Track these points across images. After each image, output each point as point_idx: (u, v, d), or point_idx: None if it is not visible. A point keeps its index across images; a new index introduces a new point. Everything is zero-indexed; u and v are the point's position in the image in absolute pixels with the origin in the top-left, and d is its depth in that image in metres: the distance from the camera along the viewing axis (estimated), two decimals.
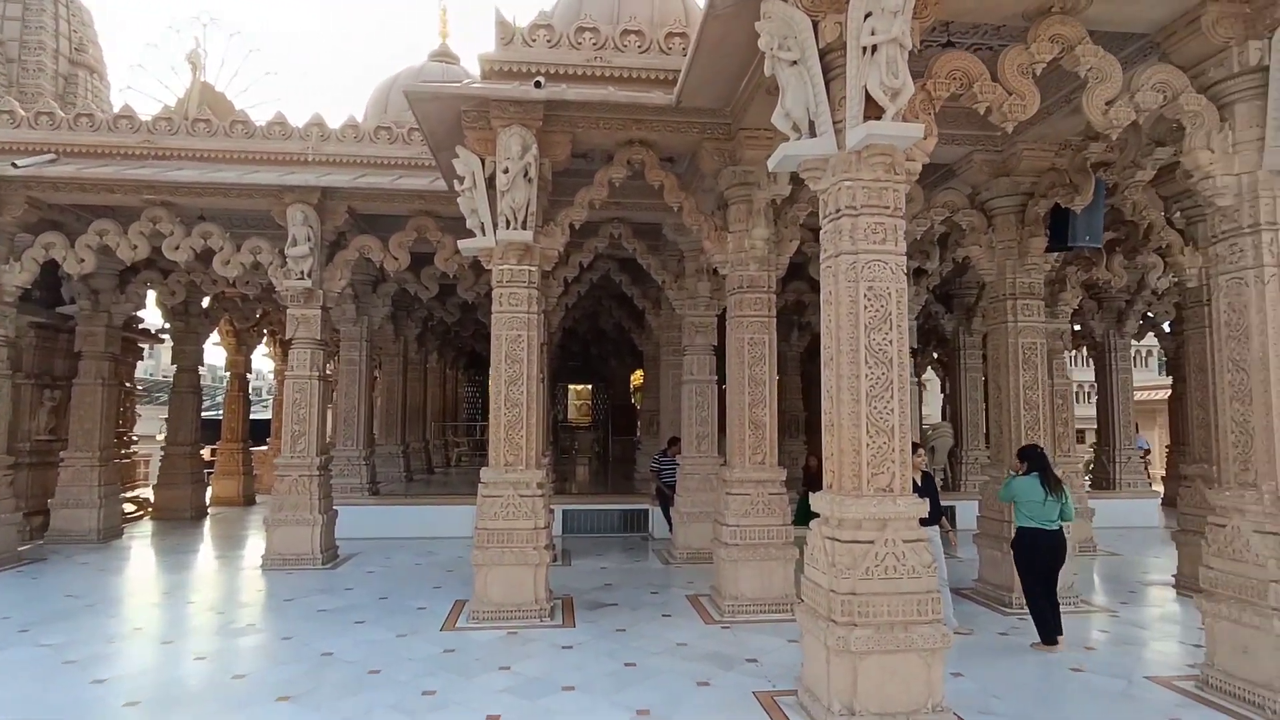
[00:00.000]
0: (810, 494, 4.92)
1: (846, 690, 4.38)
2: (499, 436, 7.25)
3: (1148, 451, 15.13)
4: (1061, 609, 7.36)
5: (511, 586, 7.02)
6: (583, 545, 11.35)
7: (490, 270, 7.47)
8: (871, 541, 4.48)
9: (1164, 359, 16.84)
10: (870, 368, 4.61)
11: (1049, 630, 6.18)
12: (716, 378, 10.13)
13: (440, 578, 8.92)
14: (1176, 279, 10.40)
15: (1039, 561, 6.28)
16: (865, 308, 4.64)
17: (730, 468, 7.57)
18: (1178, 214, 8.66)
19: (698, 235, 7.89)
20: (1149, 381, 24.02)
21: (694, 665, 5.78)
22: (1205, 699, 5.10)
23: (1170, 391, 17.16)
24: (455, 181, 7.58)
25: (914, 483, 6.90)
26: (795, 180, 7.44)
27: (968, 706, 4.87)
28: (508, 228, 7.11)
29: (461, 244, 7.52)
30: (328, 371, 10.96)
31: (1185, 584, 8.28)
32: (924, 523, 4.85)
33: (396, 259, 10.08)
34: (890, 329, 4.65)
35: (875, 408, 4.59)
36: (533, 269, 7.38)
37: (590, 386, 28.78)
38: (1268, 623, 4.81)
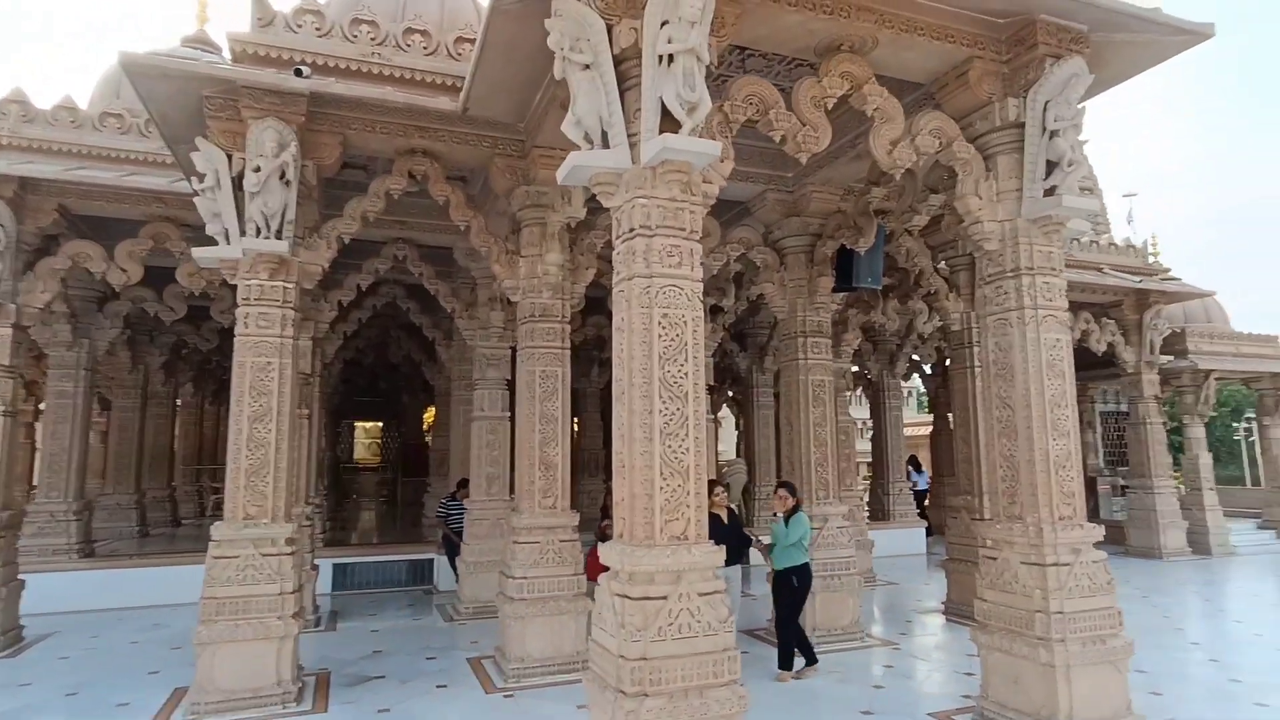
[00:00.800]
0: (599, 544, 4.38)
1: None
2: (238, 484, 6.01)
3: (925, 491, 16.38)
4: (849, 645, 7.47)
5: (247, 667, 5.76)
6: (357, 604, 10.01)
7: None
8: (665, 597, 4.00)
9: (924, 398, 18.55)
10: (665, 402, 4.19)
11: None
12: (509, 414, 9.40)
13: (161, 659, 7.28)
14: (942, 322, 11.32)
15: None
16: (660, 336, 4.23)
17: (518, 513, 6.87)
18: (943, 263, 9.39)
19: (487, 258, 7.22)
20: (910, 419, 26.60)
21: None
22: None
23: (931, 428, 18.97)
24: (195, 179, 6.34)
25: (720, 519, 6.68)
26: (592, 205, 7.06)
27: None
28: (257, 236, 6.00)
29: (197, 253, 6.27)
30: (25, 404, 8.82)
31: (954, 610, 8.76)
32: (727, 562, 4.52)
33: (125, 271, 8.36)
34: (686, 360, 4.28)
35: (670, 446, 4.16)
36: (288, 286, 6.29)
37: (380, 424, 26.65)
38: (1035, 652, 4.94)
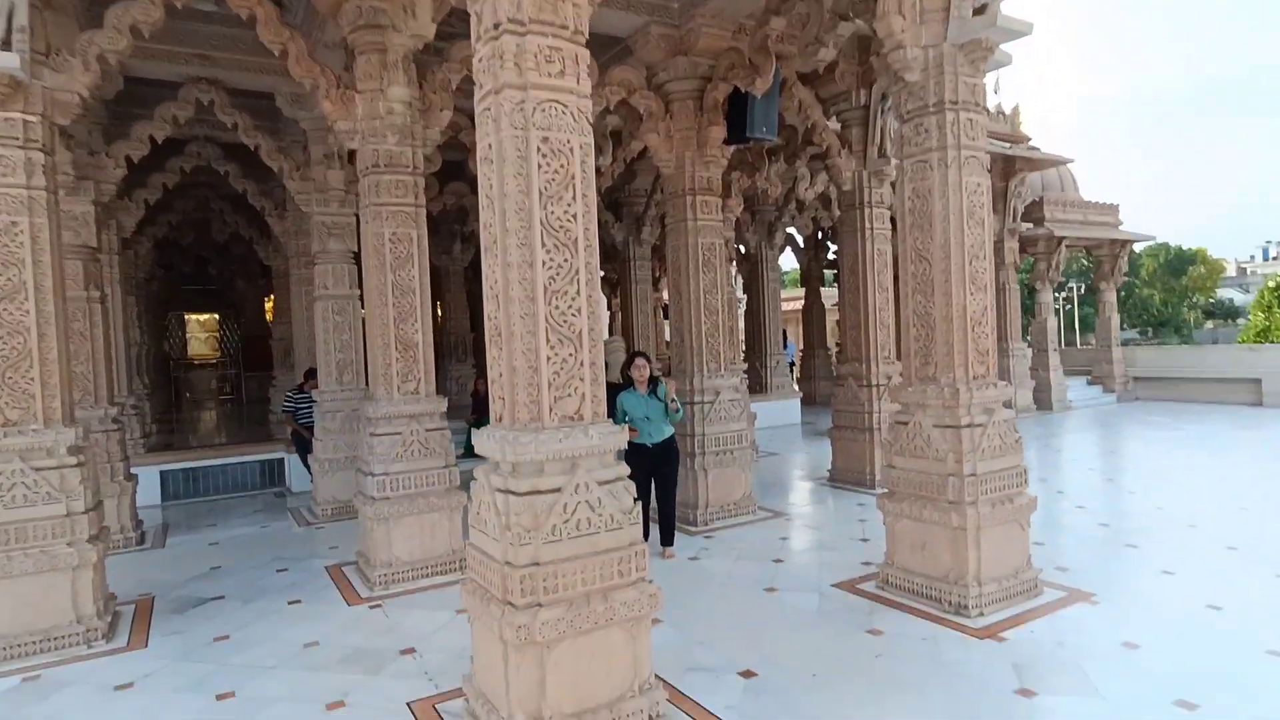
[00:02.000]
0: (474, 430, 3.57)
1: (532, 693, 3.20)
2: None
3: (791, 364, 16.56)
4: (743, 520, 7.21)
5: (31, 607, 4.63)
6: (196, 514, 8.76)
7: None
8: (558, 489, 3.27)
9: (801, 271, 18.58)
10: (549, 251, 3.31)
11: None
12: (358, 291, 8.17)
13: None
14: (822, 189, 10.84)
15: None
16: (540, 168, 3.29)
17: (374, 401, 5.88)
18: (833, 118, 8.76)
19: (315, 94, 5.81)
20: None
21: (327, 676, 4.18)
22: (889, 599, 4.95)
23: (803, 302, 19.13)
24: None
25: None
26: (446, 28, 5.75)
27: (672, 664, 4.05)
28: None
29: None
30: None
31: (839, 478, 8.74)
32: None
33: None
34: (574, 198, 3.38)
35: (558, 306, 3.32)
36: (31, 120, 4.71)
37: (216, 316, 23.91)
38: (945, 516, 4.70)
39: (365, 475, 5.85)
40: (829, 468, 9.05)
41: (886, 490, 5.20)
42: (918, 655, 4.14)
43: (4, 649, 4.53)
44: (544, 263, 3.29)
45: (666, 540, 6.21)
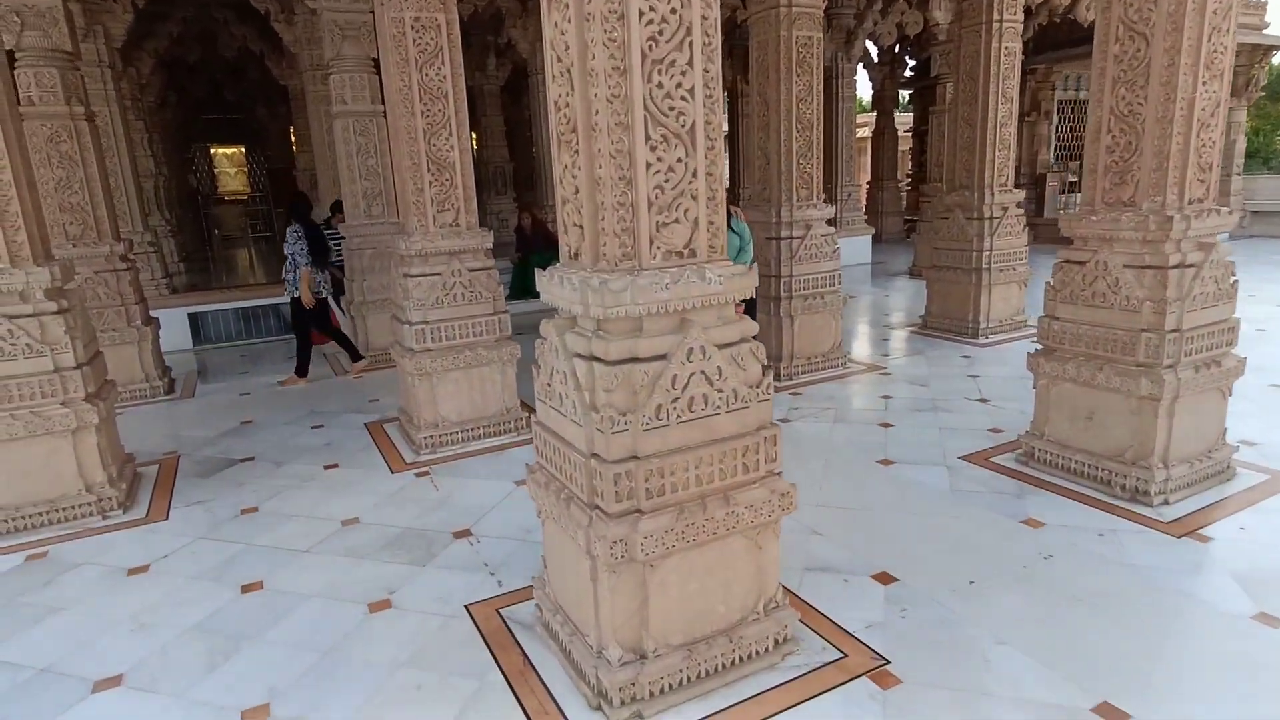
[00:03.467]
0: (532, 267, 2.60)
1: (630, 621, 2.43)
2: None
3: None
4: (834, 374, 6.31)
5: (27, 475, 4.01)
6: (226, 361, 8.17)
7: None
8: (663, 356, 2.31)
9: (873, 91, 16.46)
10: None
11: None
12: (382, 107, 6.95)
13: None
14: None
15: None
16: None
17: (407, 235, 4.90)
18: None
19: None
20: None
21: (369, 566, 3.52)
22: (1038, 479, 4.06)
23: (873, 128, 17.14)
24: None
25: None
26: None
27: (787, 559, 3.25)
28: None
29: None
30: None
31: (935, 325, 7.68)
32: None
33: None
34: None
35: (661, 85, 2.21)
36: None
37: (242, 149, 22.66)
38: (1130, 382, 3.68)
39: (402, 324, 4.99)
40: (922, 314, 7.97)
41: (1043, 347, 4.16)
42: (1099, 558, 3.28)
43: (6, 520, 3.95)
44: (640, 11, 2.13)
45: None
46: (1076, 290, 3.91)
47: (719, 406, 2.40)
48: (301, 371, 7.01)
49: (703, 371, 2.35)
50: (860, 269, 12.55)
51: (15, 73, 6.01)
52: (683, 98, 2.24)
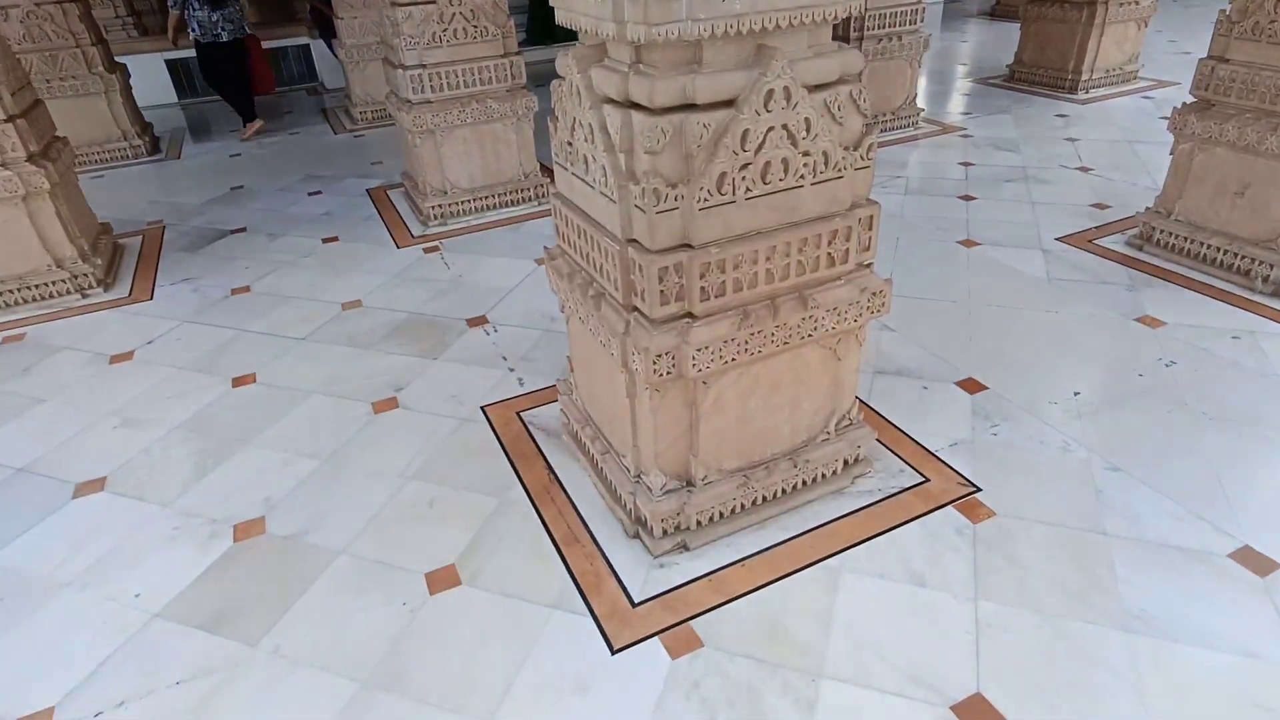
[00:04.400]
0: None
1: (677, 446, 1.99)
2: None
3: None
4: (906, 132, 5.43)
5: None
6: (216, 116, 7.36)
7: None
8: (732, 102, 1.62)
9: None
10: None
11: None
12: None
13: None
14: None
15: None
16: None
17: None
18: None
19: None
20: None
21: (371, 358, 3.10)
22: (1158, 268, 3.41)
23: None
24: None
25: None
26: None
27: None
28: None
29: None
30: None
31: (1026, 76, 6.52)
32: None
33: None
34: None
35: None
36: None
37: None
38: None
39: (394, 69, 4.15)
40: (1009, 63, 6.76)
41: (1196, 100, 3.29)
42: (1234, 366, 2.74)
43: None
44: None
45: None
46: (1265, 22, 2.96)
47: (804, 176, 1.74)
48: (248, 115, 6.36)
49: (785, 126, 1.66)
50: (930, 9, 10.79)
51: None
52: None
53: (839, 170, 1.78)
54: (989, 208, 4.17)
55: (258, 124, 6.45)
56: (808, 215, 1.80)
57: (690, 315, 1.78)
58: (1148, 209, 3.59)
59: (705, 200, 1.66)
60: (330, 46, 7.33)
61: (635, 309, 1.81)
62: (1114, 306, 3.14)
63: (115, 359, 3.19)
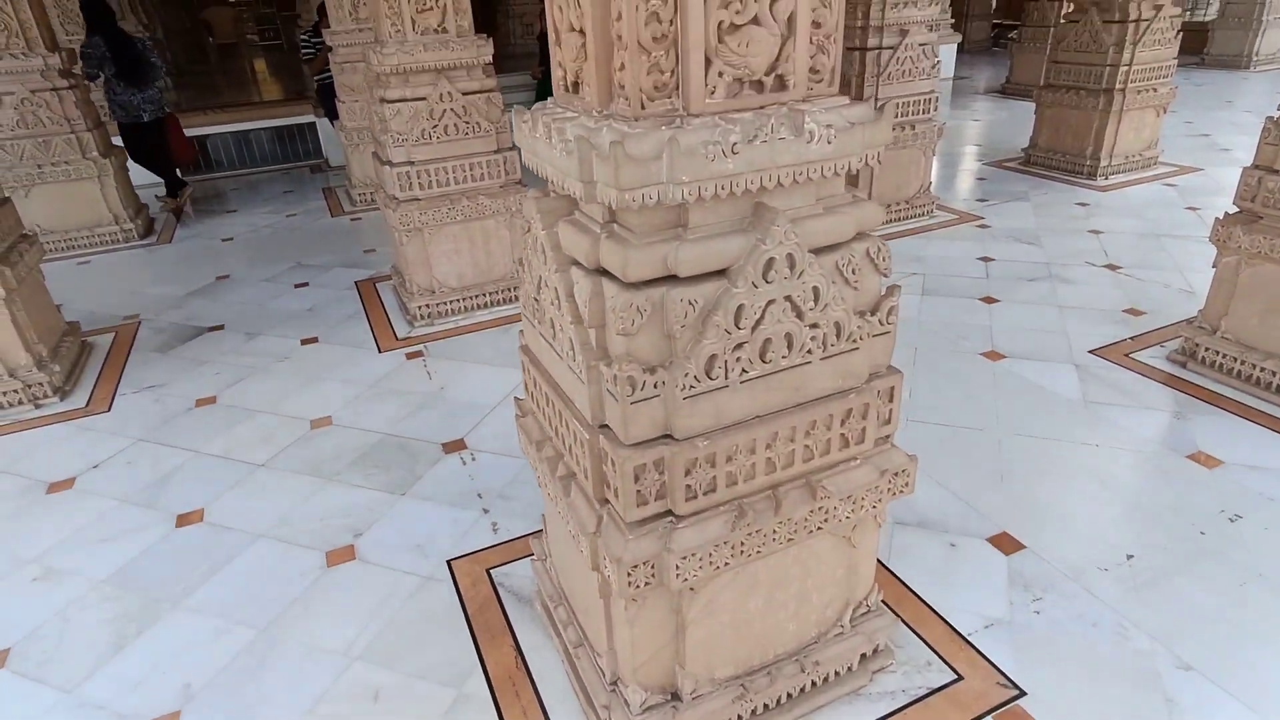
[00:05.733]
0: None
1: (660, 657, 1.66)
2: None
3: None
4: (920, 222, 5.20)
5: None
6: (215, 195, 7.28)
7: None
8: (724, 272, 1.34)
9: None
10: None
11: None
12: None
13: None
14: None
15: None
16: None
17: (380, 43, 3.75)
18: None
19: None
20: None
21: (333, 493, 2.80)
22: (1209, 391, 3.09)
23: None
24: None
25: None
26: None
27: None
28: None
29: None
30: None
31: (1043, 160, 6.33)
32: None
33: None
34: None
35: None
36: None
37: None
38: None
39: (382, 164, 3.97)
40: (1025, 146, 6.58)
41: (1241, 210, 3.02)
42: None
43: None
44: None
45: None
46: None
47: (811, 351, 1.46)
48: (176, 186, 6.38)
49: (789, 297, 1.38)
50: (941, 85, 10.74)
51: None
52: None
53: (853, 341, 1.49)
54: (1013, 312, 3.88)
55: (187, 191, 6.51)
56: (817, 394, 1.50)
57: (673, 516, 1.47)
58: (1189, 322, 3.29)
59: (691, 388, 1.37)
60: (334, 126, 7.26)
61: (607, 502, 1.51)
62: (1161, 438, 2.81)
63: (54, 487, 2.90)
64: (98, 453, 3.11)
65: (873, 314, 1.53)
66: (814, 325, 1.43)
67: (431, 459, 2.93)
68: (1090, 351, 3.45)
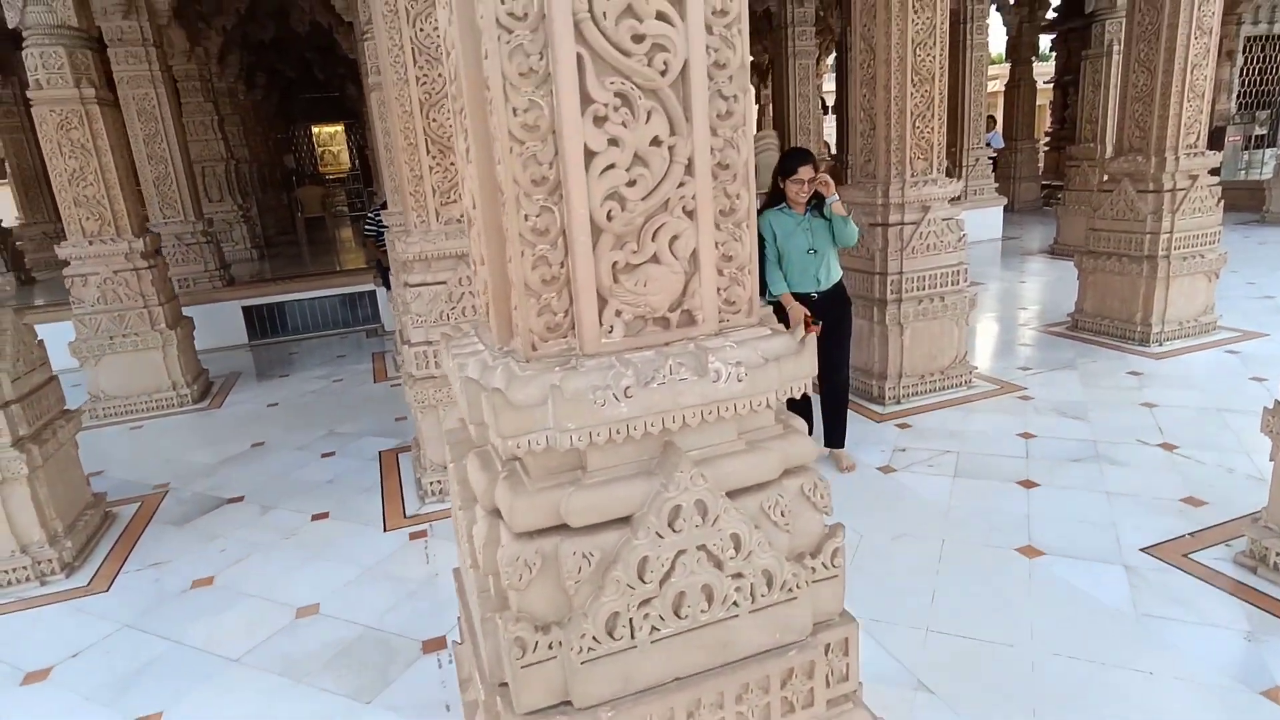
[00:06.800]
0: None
1: None
2: None
3: (995, 159, 13.00)
4: (956, 394, 4.99)
5: None
6: (274, 358, 7.68)
7: None
8: (627, 520, 1.21)
9: (1008, 39, 14.25)
10: None
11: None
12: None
13: None
14: None
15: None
16: None
17: (405, 234, 3.97)
18: None
19: None
20: None
21: (299, 698, 2.64)
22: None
23: (1006, 82, 14.98)
24: None
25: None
26: None
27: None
28: None
29: None
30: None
31: (1090, 326, 6.10)
32: None
33: None
34: None
35: None
36: None
37: (342, 127, 22.75)
38: None
39: (404, 344, 4.09)
40: (1070, 310, 6.39)
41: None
42: None
43: None
44: None
45: (837, 439, 4.08)
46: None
47: (737, 604, 1.29)
48: None
49: (703, 547, 1.24)
50: (988, 247, 10.78)
51: (23, 54, 5.51)
52: (659, 13, 1.11)
53: (789, 590, 1.32)
54: (1054, 499, 3.57)
55: None
56: (748, 651, 1.32)
57: None
58: (1255, 519, 2.94)
59: (590, 650, 1.21)
60: (389, 295, 7.68)
61: None
62: (1229, 668, 2.41)
63: (30, 677, 2.83)
64: (83, 638, 3.05)
65: (814, 556, 1.36)
66: (737, 575, 1.28)
67: (409, 659, 2.75)
68: (1142, 550, 3.09)
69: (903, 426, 4.55)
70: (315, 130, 22.75)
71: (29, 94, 5.52)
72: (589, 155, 1.13)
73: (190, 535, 3.91)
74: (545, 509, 1.19)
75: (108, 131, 5.74)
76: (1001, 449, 4.15)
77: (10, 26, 5.40)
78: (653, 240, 1.21)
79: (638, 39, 1.11)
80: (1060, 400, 4.80)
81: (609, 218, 1.17)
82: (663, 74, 1.14)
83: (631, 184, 1.17)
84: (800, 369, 1.28)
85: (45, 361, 3.84)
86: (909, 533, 3.35)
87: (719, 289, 1.28)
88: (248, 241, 11.02)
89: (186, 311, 6.74)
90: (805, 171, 3.68)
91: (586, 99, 1.11)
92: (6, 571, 3.44)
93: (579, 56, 1.09)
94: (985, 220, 11.04)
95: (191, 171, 8.80)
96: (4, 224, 11.56)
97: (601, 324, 1.21)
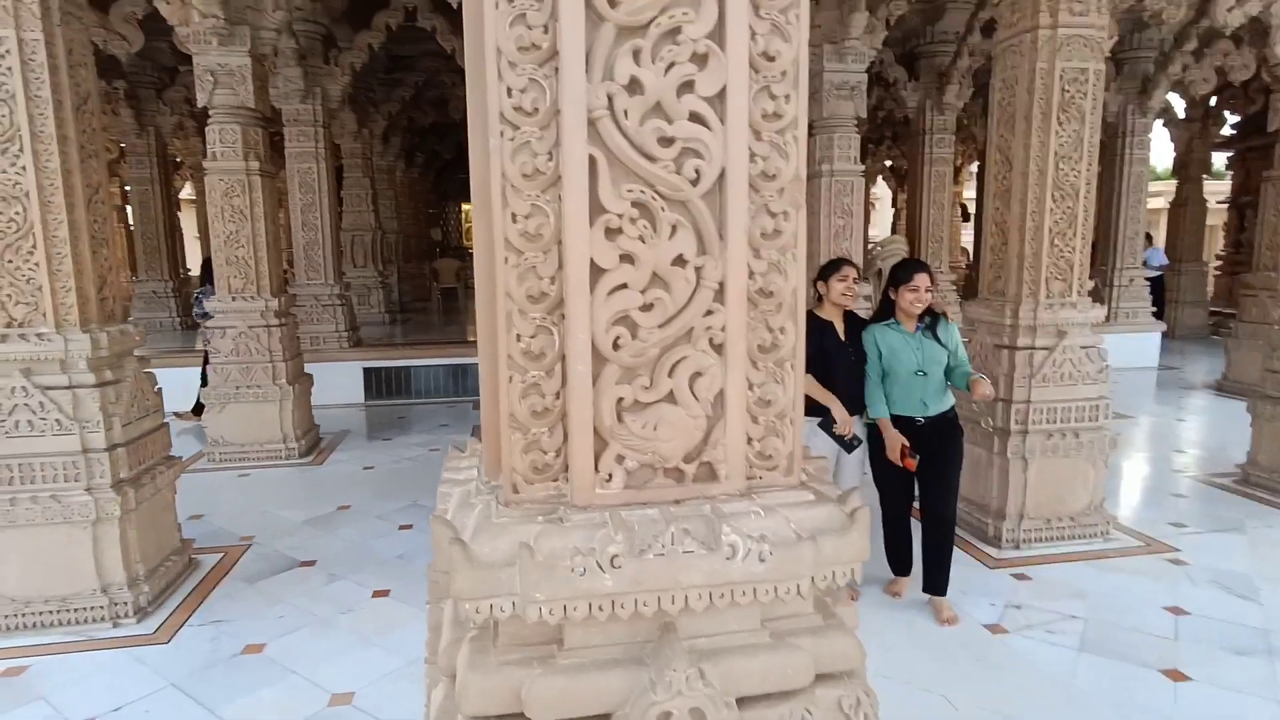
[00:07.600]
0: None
1: None
2: None
3: (1160, 278, 11.97)
4: (1089, 548, 4.35)
5: (42, 566, 3.51)
6: (384, 421, 7.94)
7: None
8: (607, 718, 0.97)
9: (1176, 155, 13.31)
10: None
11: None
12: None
13: None
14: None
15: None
16: None
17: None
18: None
19: None
20: None
21: None
22: None
23: (1172, 198, 13.93)
24: None
25: (834, 329, 3.59)
26: None
27: None
28: None
29: None
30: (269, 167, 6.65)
31: (1264, 482, 5.25)
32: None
33: None
34: None
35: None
36: None
37: None
38: None
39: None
40: (1243, 461, 5.53)
41: None
42: None
43: (13, 615, 3.48)
44: None
45: (938, 585, 3.58)
46: None
47: None
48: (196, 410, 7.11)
49: None
50: (1141, 376, 9.75)
51: (206, 129, 6.16)
52: (693, 114, 0.94)
53: None
54: (1210, 700, 2.92)
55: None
56: None
57: None
58: None
59: None
60: None
61: None
62: None
63: None
64: (129, 692, 3.04)
65: None
66: None
67: None
68: None
69: (1020, 578, 3.97)
70: (465, 208, 24.45)
71: (204, 164, 6.14)
72: (596, 272, 0.96)
73: (257, 596, 3.91)
74: (503, 691, 0.97)
75: (264, 200, 6.26)
76: (1143, 623, 3.51)
77: (200, 105, 6.06)
78: (669, 376, 1.01)
79: (665, 141, 0.95)
80: (1223, 570, 4.06)
81: (616, 345, 0.98)
82: (693, 183, 0.97)
83: (647, 308, 0.98)
84: (845, 550, 1.01)
85: (159, 408, 4.06)
86: (1018, 716, 2.82)
87: (751, 439, 1.05)
88: (382, 306, 11.69)
89: (312, 368, 7.11)
90: (922, 279, 3.39)
91: (598, 207, 0.95)
92: (83, 610, 3.54)
93: (591, 159, 0.94)
94: (1139, 346, 10.05)
95: (339, 239, 9.50)
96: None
97: (599, 470, 1.00)
